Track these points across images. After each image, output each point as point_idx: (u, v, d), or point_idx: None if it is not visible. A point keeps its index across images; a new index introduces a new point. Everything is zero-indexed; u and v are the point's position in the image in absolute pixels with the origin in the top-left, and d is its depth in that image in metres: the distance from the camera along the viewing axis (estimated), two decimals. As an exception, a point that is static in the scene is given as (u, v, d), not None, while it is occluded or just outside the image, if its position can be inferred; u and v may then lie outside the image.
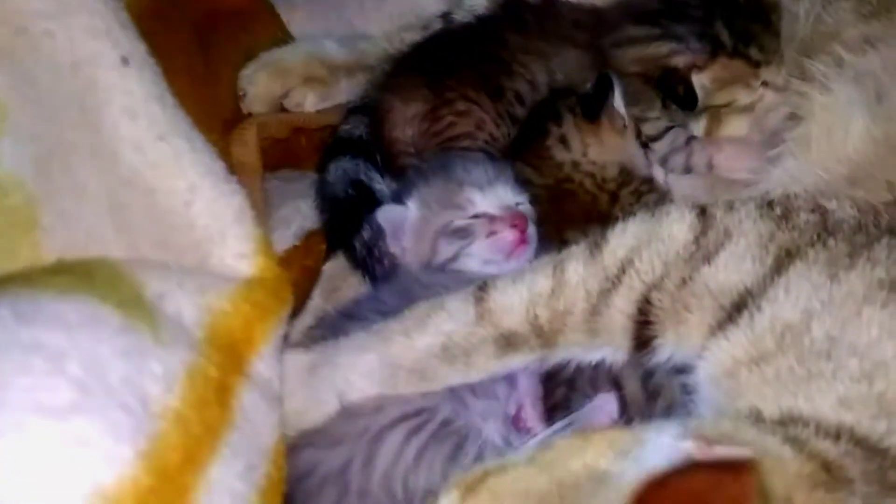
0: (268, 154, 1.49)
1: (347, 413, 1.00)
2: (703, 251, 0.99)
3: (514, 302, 1.02)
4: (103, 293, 0.80)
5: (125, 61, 0.93)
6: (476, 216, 1.24)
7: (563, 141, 1.34)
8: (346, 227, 1.33)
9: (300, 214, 1.40)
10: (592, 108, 1.34)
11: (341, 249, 1.35)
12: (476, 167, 1.28)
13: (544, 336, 1.02)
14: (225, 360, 0.82)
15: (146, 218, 0.93)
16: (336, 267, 1.36)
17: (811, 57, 1.25)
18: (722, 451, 0.72)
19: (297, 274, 1.28)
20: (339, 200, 1.36)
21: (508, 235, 1.22)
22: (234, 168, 1.35)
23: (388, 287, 1.23)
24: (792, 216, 1.01)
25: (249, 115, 1.53)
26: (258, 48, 1.60)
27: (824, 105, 1.18)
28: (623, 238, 1.03)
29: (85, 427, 0.70)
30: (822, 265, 0.94)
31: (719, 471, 0.68)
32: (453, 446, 0.98)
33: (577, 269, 1.02)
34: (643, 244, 1.02)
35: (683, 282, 0.99)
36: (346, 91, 1.58)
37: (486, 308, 1.03)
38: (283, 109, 1.56)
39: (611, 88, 1.35)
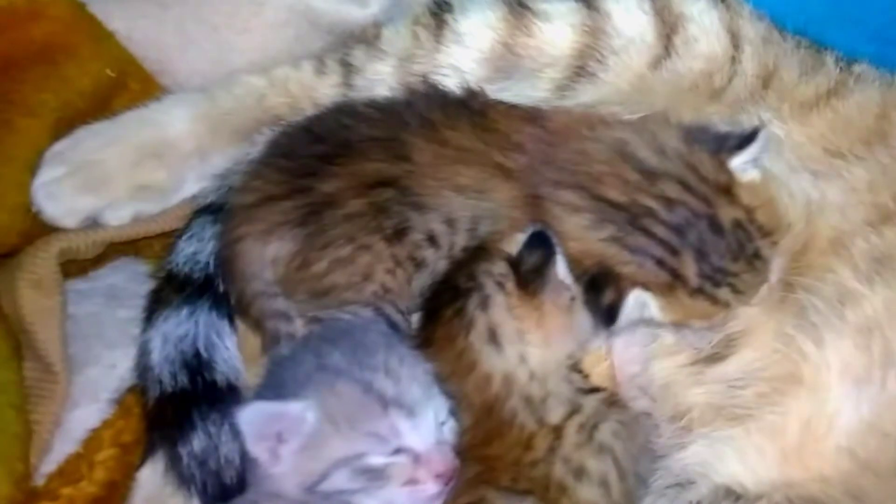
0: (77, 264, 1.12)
1: None
2: None
3: None
4: None
5: None
6: (398, 450, 0.93)
7: (493, 336, 0.98)
8: (171, 430, 0.99)
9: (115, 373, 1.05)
10: (531, 280, 0.99)
11: (164, 456, 1.01)
12: (405, 369, 0.96)
13: None
14: None
15: None
16: (154, 478, 1.01)
17: (804, 274, 0.98)
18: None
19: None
20: (166, 393, 1.01)
21: (430, 488, 0.93)
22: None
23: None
24: None
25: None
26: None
27: (810, 365, 0.94)
28: None
29: None
30: None
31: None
32: None
33: None
34: None
35: None
36: (202, 176, 1.14)
37: None
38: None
39: (551, 250, 0.99)
